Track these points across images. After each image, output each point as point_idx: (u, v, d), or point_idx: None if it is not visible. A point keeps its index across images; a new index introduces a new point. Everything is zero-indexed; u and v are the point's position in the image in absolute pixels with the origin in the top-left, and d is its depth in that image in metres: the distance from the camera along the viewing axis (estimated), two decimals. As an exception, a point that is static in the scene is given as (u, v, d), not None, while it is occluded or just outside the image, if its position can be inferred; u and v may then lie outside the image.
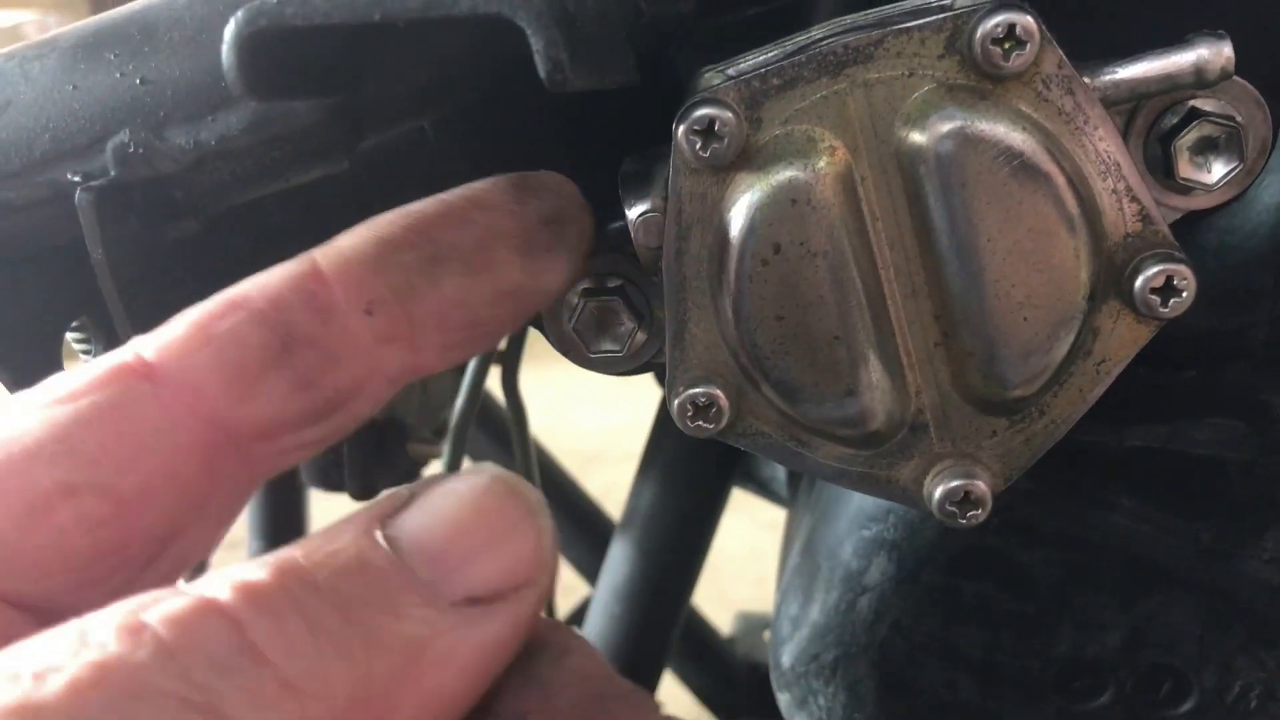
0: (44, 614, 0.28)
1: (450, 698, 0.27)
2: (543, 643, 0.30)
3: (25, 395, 0.30)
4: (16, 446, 0.28)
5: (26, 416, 0.29)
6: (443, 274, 0.33)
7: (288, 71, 0.30)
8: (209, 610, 0.24)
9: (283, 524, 1.07)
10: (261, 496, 1.13)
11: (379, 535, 0.27)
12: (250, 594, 0.25)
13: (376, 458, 0.78)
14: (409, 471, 0.86)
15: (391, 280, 0.32)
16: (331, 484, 0.92)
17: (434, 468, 0.89)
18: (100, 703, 0.22)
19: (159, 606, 0.24)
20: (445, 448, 0.86)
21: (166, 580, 0.31)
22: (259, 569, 0.25)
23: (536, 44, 0.27)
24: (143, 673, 0.23)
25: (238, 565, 0.26)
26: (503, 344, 0.90)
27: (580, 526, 1.05)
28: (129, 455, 0.29)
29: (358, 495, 0.84)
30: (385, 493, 0.30)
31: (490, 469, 0.30)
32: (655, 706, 0.30)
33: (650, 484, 0.75)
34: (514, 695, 0.29)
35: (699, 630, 0.93)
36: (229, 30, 0.28)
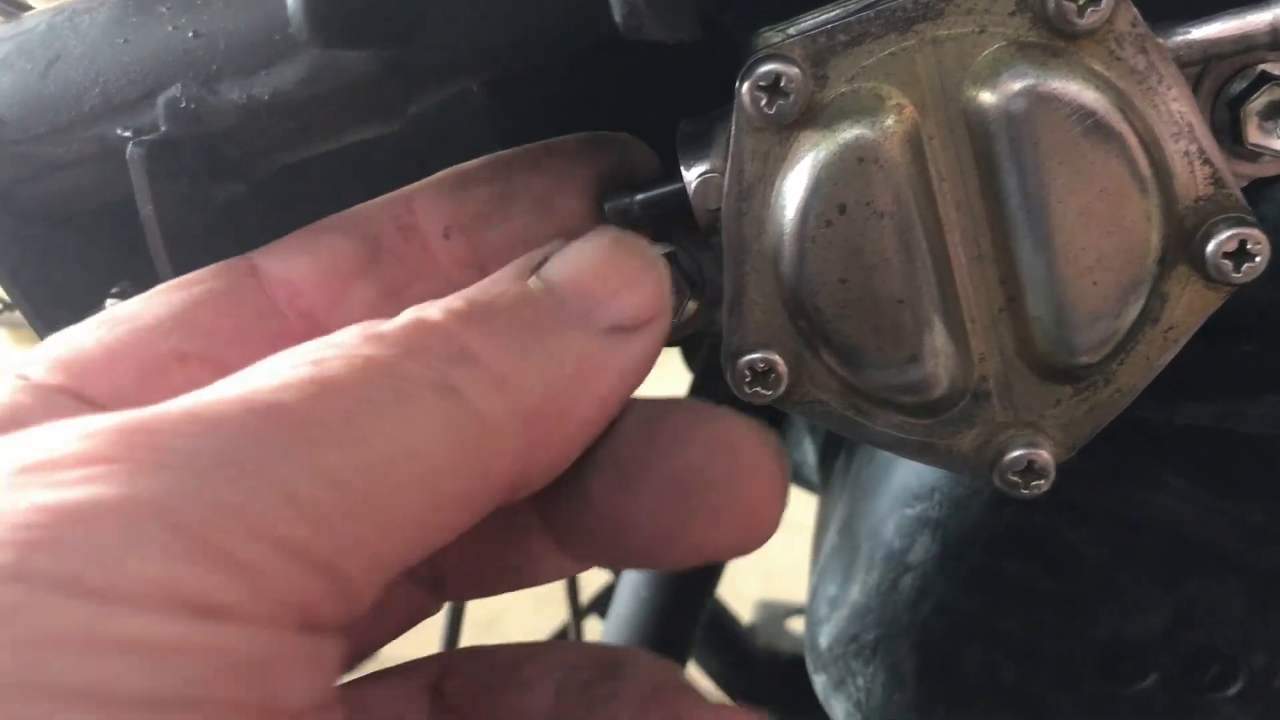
0: None
1: (605, 404, 0.32)
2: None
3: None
4: (139, 320, 0.33)
5: (150, 299, 0.34)
6: (514, 210, 0.37)
7: (352, 17, 0.29)
8: (428, 325, 0.29)
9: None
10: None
11: (533, 280, 0.32)
12: (454, 314, 0.29)
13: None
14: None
15: (468, 209, 0.37)
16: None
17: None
18: (373, 380, 0.26)
19: (387, 324, 0.29)
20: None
21: None
22: (451, 300, 0.30)
23: (615, -13, 0.27)
24: (397, 360, 0.27)
25: (430, 301, 0.30)
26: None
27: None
28: (234, 333, 0.34)
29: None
30: (525, 255, 0.34)
31: (611, 229, 0.35)
32: (700, 403, 0.35)
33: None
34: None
35: (719, 618, 0.92)
36: (296, -28, 0.28)
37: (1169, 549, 0.49)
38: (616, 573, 0.86)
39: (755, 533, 0.34)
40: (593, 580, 0.99)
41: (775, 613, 0.97)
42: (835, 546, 0.56)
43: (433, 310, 0.29)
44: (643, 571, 0.75)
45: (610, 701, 0.34)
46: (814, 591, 0.57)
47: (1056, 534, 0.49)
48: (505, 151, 0.39)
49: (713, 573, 0.80)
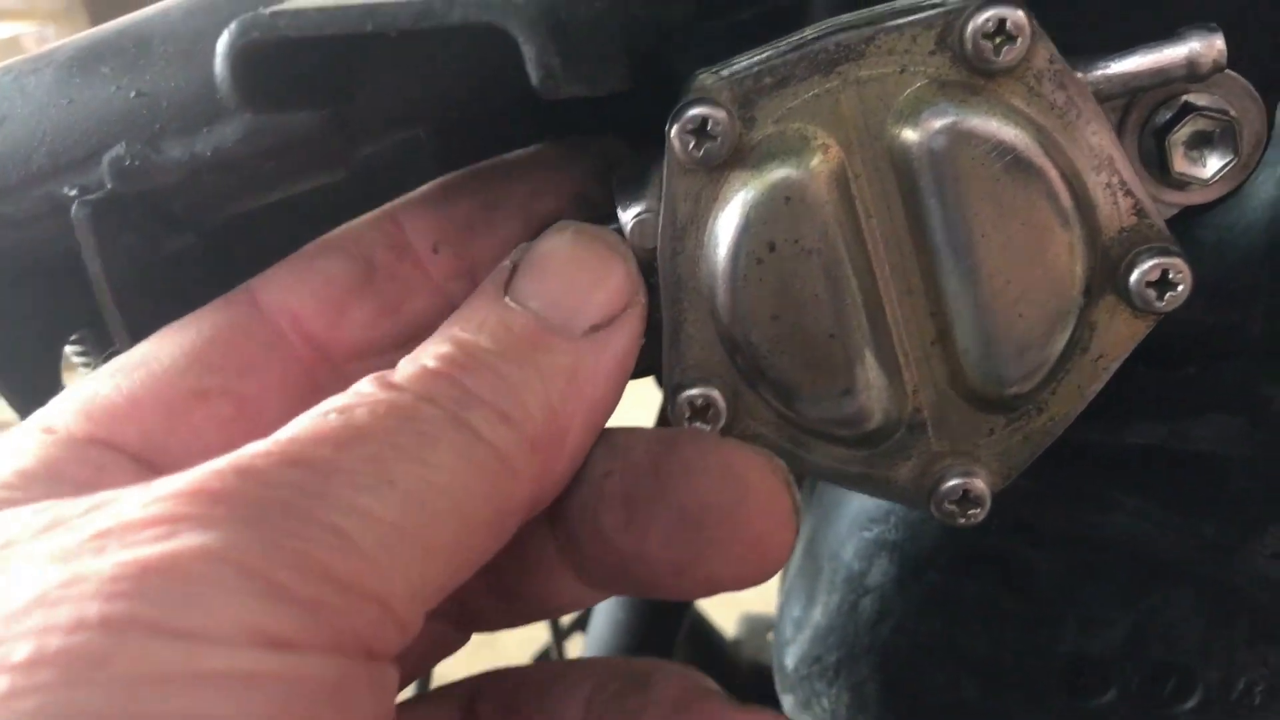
0: None
1: (602, 404, 0.34)
2: (615, 431, 0.36)
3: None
4: (154, 363, 0.35)
5: (159, 341, 0.35)
6: (499, 219, 0.39)
7: (282, 83, 0.30)
8: (431, 372, 0.31)
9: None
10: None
11: (509, 300, 0.34)
12: (448, 360, 0.31)
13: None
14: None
15: (454, 222, 0.38)
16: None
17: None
18: (397, 426, 0.29)
19: (395, 374, 0.31)
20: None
21: None
22: (440, 345, 0.32)
23: (529, 51, 0.27)
24: (416, 406, 0.30)
25: (418, 349, 0.32)
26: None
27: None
28: (246, 365, 0.36)
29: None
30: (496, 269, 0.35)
31: (570, 225, 0.36)
32: (708, 434, 0.37)
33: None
34: (599, 461, 0.35)
35: (702, 631, 0.93)
36: (222, 42, 0.28)
37: (1125, 566, 0.49)
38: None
39: (767, 562, 0.34)
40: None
41: (758, 625, 0.97)
42: (799, 567, 0.57)
43: (429, 359, 0.32)
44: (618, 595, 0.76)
45: (641, 714, 0.36)
46: (780, 612, 0.58)
47: (1014, 554, 0.50)
48: (486, 162, 0.40)
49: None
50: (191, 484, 0.26)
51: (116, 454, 0.33)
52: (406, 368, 0.31)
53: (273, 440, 0.28)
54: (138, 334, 0.38)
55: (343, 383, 0.35)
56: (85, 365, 0.46)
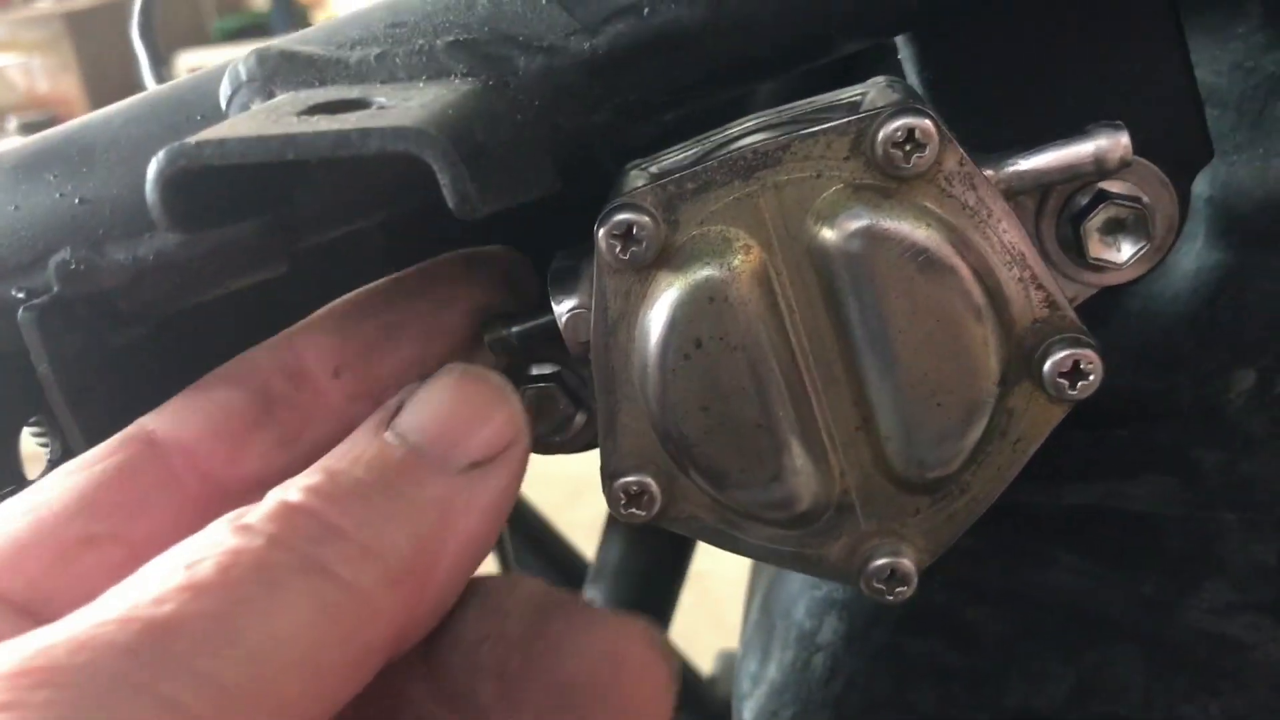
0: None
1: (476, 540, 0.33)
2: (495, 584, 0.36)
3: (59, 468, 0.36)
4: (45, 508, 0.34)
5: (52, 483, 0.35)
6: (401, 338, 0.39)
7: (213, 204, 0.31)
8: (290, 508, 0.30)
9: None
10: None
11: (388, 434, 0.34)
12: (314, 492, 0.31)
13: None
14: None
15: (355, 345, 0.38)
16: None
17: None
18: (242, 577, 0.28)
19: (253, 513, 0.30)
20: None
21: None
22: (309, 477, 0.32)
23: (443, 179, 0.28)
24: (264, 552, 0.29)
25: (289, 481, 0.32)
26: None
27: (556, 568, 1.06)
28: (136, 508, 0.35)
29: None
30: (382, 405, 0.35)
31: (458, 367, 0.36)
32: (585, 605, 0.36)
33: (617, 539, 0.76)
34: (473, 622, 0.34)
35: (679, 670, 0.94)
36: (151, 170, 0.29)
37: (1066, 622, 0.51)
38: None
39: None
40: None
41: (735, 663, 0.98)
42: (756, 623, 0.58)
43: (293, 491, 0.31)
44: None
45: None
46: (738, 666, 0.59)
47: (957, 612, 0.51)
48: (385, 280, 0.40)
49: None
50: (20, 663, 0.25)
51: (1, 604, 0.33)
52: (266, 504, 0.31)
53: (116, 596, 0.28)
54: (89, 427, 0.39)
55: None
56: (44, 446, 0.47)
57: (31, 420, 0.46)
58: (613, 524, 0.80)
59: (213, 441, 0.36)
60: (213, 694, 0.26)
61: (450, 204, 0.29)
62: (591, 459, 0.40)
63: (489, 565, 0.51)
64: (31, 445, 0.46)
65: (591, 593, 0.80)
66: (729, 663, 0.99)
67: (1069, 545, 0.50)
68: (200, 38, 6.14)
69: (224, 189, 0.31)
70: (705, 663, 1.00)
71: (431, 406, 0.34)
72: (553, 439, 0.42)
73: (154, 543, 0.33)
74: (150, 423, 0.36)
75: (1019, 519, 0.49)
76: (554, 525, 1.12)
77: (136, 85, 0.63)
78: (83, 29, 6.10)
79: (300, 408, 0.38)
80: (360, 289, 0.40)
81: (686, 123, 0.40)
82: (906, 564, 0.38)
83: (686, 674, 0.95)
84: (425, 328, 0.39)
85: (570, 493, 1.39)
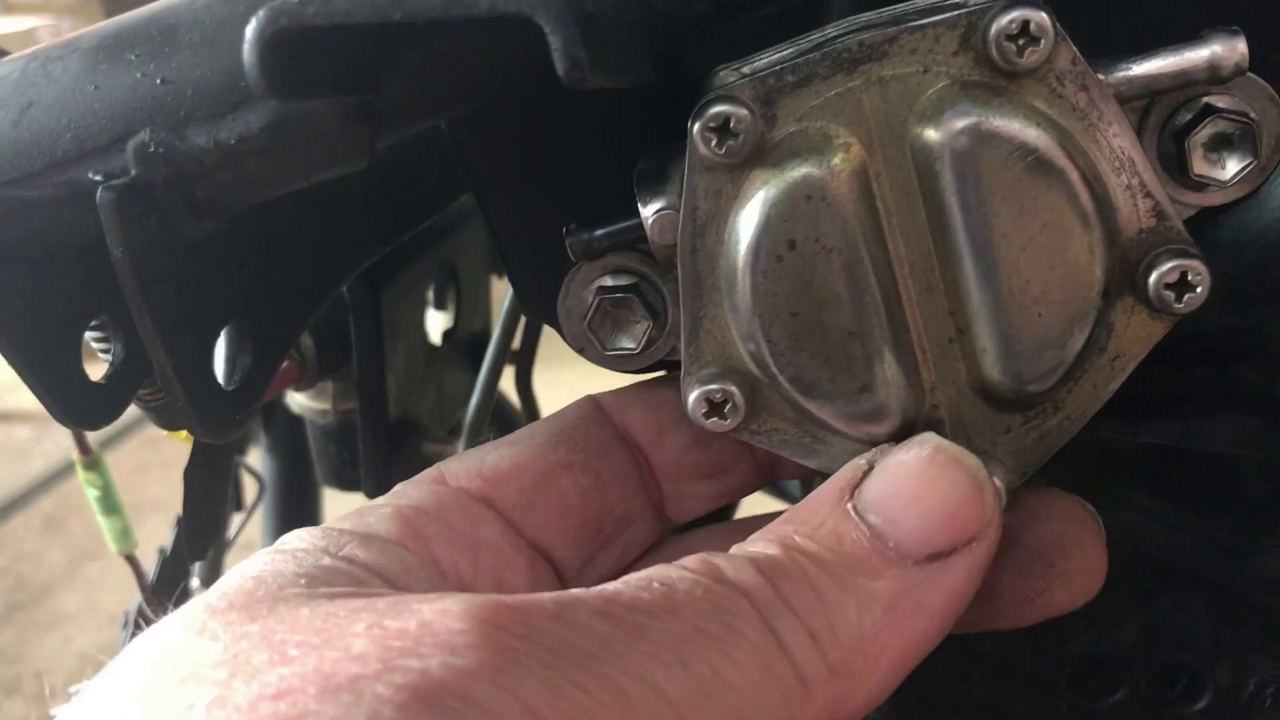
0: (557, 565, 0.41)
1: (923, 638, 0.32)
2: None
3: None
4: (534, 439, 0.42)
5: (532, 426, 0.43)
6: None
7: (308, 71, 0.30)
8: (754, 568, 0.31)
9: (298, 524, 1.07)
10: (276, 497, 1.13)
11: (850, 508, 0.33)
12: (772, 564, 0.32)
13: (391, 458, 0.79)
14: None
15: None
16: (346, 484, 0.92)
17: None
18: (705, 610, 0.30)
19: (723, 558, 0.32)
20: (460, 447, 0.87)
21: (622, 558, 0.44)
22: (767, 545, 0.33)
23: (555, 42, 0.27)
24: (729, 597, 0.30)
25: (751, 539, 0.34)
26: (517, 343, 0.90)
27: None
28: (604, 449, 0.43)
29: (372, 495, 0.84)
30: (849, 464, 0.36)
31: (932, 439, 0.35)
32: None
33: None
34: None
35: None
36: (250, 29, 0.29)
37: (1137, 566, 0.49)
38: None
39: (1092, 589, 0.39)
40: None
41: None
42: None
43: (756, 554, 0.32)
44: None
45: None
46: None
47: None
48: None
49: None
50: (505, 611, 0.28)
51: (493, 513, 0.39)
52: (732, 558, 0.32)
53: (597, 591, 0.30)
54: (160, 318, 0.38)
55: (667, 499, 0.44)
56: (104, 351, 0.46)
57: (93, 324, 0.45)
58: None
59: (644, 424, 0.44)
60: (655, 704, 0.27)
61: (560, 70, 0.28)
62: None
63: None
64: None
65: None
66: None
67: (1143, 486, 0.49)
68: None
69: (320, 57, 0.30)
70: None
71: (900, 483, 0.34)
72: (627, 352, 0.41)
73: (615, 478, 0.42)
74: (598, 397, 0.44)
75: (1096, 457, 0.48)
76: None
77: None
78: (111, -7, 6.11)
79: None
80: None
81: (780, 27, 0.39)
82: (995, 484, 0.37)
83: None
84: None
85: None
